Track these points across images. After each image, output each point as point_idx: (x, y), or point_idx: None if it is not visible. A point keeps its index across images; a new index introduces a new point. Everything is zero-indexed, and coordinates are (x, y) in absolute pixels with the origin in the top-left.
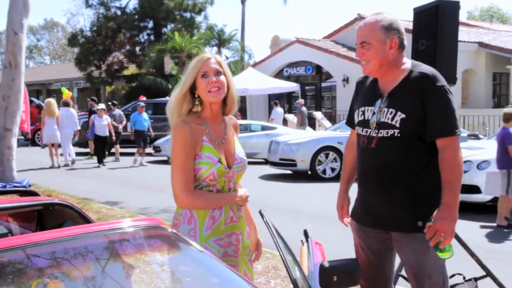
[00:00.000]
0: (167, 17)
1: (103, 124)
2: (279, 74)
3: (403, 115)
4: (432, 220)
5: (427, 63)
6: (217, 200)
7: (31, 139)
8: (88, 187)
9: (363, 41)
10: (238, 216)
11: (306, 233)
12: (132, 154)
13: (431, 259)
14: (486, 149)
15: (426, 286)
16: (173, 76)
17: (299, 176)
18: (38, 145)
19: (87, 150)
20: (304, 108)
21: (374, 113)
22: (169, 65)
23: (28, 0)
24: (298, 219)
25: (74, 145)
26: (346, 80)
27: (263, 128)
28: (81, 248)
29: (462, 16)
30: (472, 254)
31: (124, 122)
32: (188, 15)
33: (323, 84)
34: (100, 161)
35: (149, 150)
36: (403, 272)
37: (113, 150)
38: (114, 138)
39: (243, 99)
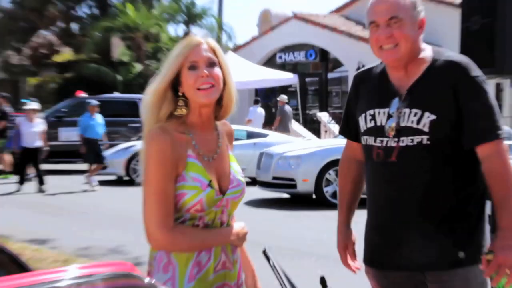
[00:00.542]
0: None
1: (34, 131)
2: (270, 62)
3: (433, 117)
4: (491, 252)
5: (482, 47)
6: (206, 239)
7: None
8: (4, 218)
9: (393, 16)
10: (233, 261)
11: (323, 282)
12: (65, 172)
13: None
14: None
15: None
16: (124, 64)
17: (300, 202)
18: None
19: None
20: (287, 108)
21: (390, 116)
22: (118, 49)
23: None
24: (303, 261)
25: None
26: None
27: (250, 135)
28: None
29: None
30: None
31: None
32: None
33: (330, 75)
34: (22, 181)
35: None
36: None
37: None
38: (45, 150)
39: None
